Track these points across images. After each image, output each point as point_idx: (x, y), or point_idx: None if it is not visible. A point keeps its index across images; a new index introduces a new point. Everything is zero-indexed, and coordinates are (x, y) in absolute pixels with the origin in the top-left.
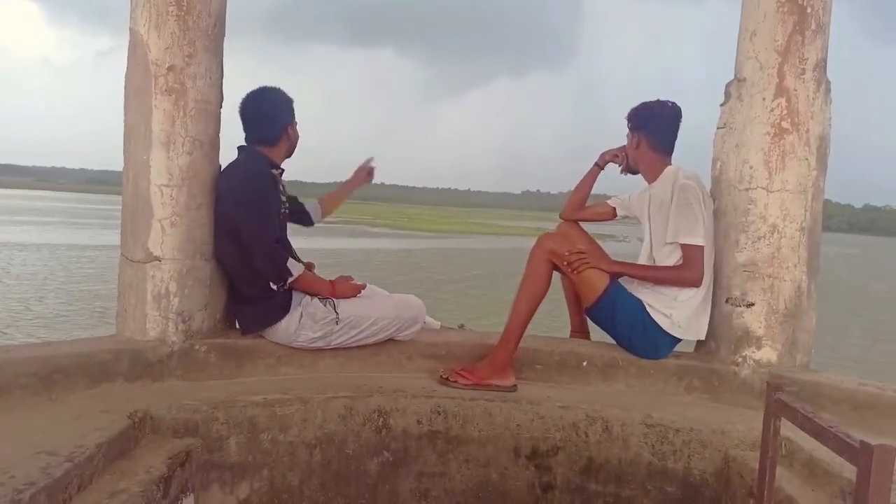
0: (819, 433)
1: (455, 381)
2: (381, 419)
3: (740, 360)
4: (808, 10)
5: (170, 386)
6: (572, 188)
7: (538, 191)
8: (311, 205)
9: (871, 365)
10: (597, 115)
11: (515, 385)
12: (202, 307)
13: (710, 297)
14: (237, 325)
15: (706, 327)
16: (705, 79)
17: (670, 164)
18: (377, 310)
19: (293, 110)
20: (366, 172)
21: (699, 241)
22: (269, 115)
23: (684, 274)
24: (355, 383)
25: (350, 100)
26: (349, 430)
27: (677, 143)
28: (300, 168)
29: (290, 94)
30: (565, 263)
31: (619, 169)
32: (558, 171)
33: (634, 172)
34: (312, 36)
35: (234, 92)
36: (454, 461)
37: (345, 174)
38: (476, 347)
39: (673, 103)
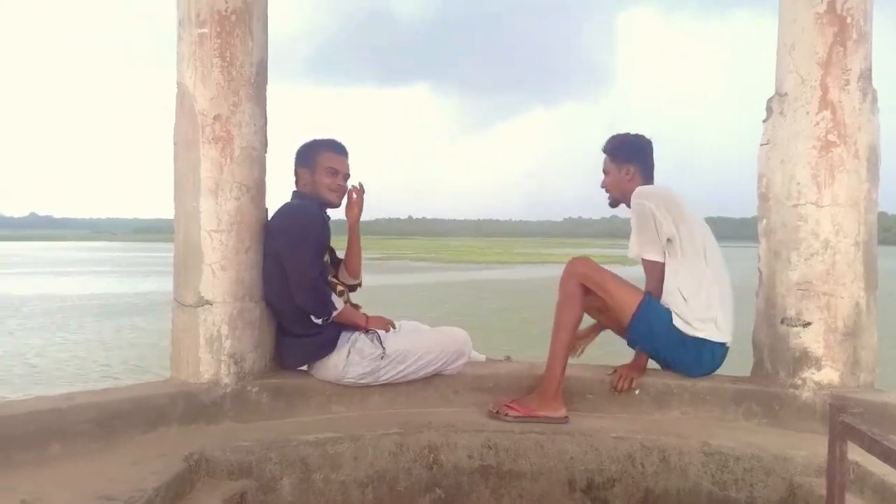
0: (889, 456)
1: (505, 415)
2: (432, 455)
3: (800, 382)
4: (848, 20)
5: (224, 428)
6: (615, 214)
7: (580, 217)
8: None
9: None
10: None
11: (567, 416)
12: (253, 348)
13: (725, 296)
14: (284, 362)
15: (729, 328)
16: (734, 93)
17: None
18: (423, 344)
19: (311, 156)
20: (355, 201)
21: (648, 256)
22: (294, 161)
23: (646, 287)
24: (404, 419)
25: (387, 137)
26: (400, 467)
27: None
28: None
29: (332, 135)
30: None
31: (608, 202)
32: (598, 197)
33: (618, 204)
34: (349, 78)
35: (279, 136)
36: (507, 496)
37: (384, 212)
38: (523, 378)
39: (646, 136)
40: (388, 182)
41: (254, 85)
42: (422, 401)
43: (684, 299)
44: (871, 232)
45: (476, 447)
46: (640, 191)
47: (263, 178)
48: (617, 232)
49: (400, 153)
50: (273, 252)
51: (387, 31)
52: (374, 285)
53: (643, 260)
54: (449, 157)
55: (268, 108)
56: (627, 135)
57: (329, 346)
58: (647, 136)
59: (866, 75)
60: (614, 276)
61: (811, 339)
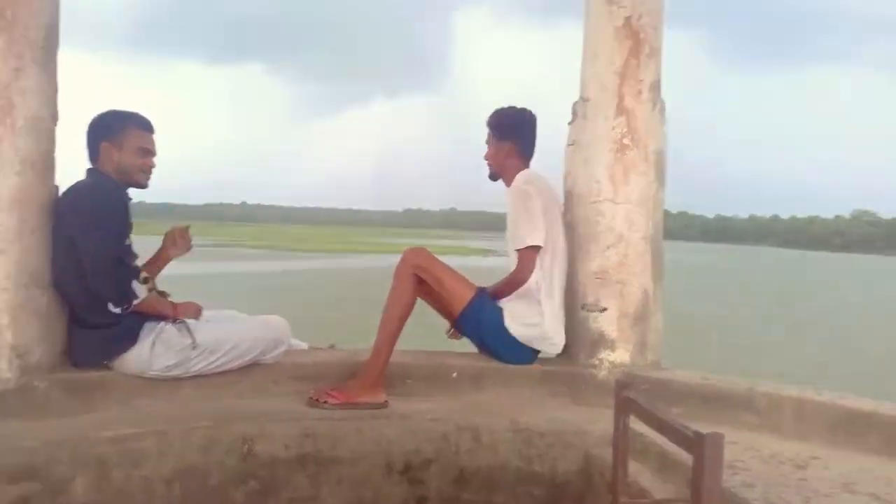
0: (661, 426)
1: (325, 402)
2: (246, 447)
3: (597, 362)
4: (642, 36)
5: (6, 427)
6: (453, 206)
7: (420, 209)
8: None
9: (728, 360)
10: (468, 135)
11: (386, 401)
12: (40, 340)
13: (563, 308)
14: (78, 356)
15: (560, 340)
16: (558, 97)
17: (527, 167)
18: (237, 333)
19: (117, 130)
20: (186, 242)
21: (530, 242)
22: (89, 135)
23: (516, 277)
24: (217, 412)
25: (218, 118)
26: (211, 461)
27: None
28: (169, 190)
29: (153, 110)
30: (431, 277)
31: (488, 173)
32: (438, 189)
33: (497, 178)
34: (173, 52)
35: (88, 110)
36: (326, 483)
37: (215, 195)
38: (346, 366)
39: (530, 111)
40: (219, 165)
41: (42, 49)
42: (238, 392)
43: (528, 306)
44: (658, 228)
45: (294, 436)
46: (528, 178)
47: (52, 152)
48: (455, 223)
49: (233, 136)
50: (64, 235)
51: (215, 6)
52: (201, 274)
53: (525, 248)
54: (289, 143)
55: (64, 79)
56: (509, 110)
57: (129, 338)
58: (530, 111)
59: (656, 87)
60: (448, 268)
61: (607, 324)
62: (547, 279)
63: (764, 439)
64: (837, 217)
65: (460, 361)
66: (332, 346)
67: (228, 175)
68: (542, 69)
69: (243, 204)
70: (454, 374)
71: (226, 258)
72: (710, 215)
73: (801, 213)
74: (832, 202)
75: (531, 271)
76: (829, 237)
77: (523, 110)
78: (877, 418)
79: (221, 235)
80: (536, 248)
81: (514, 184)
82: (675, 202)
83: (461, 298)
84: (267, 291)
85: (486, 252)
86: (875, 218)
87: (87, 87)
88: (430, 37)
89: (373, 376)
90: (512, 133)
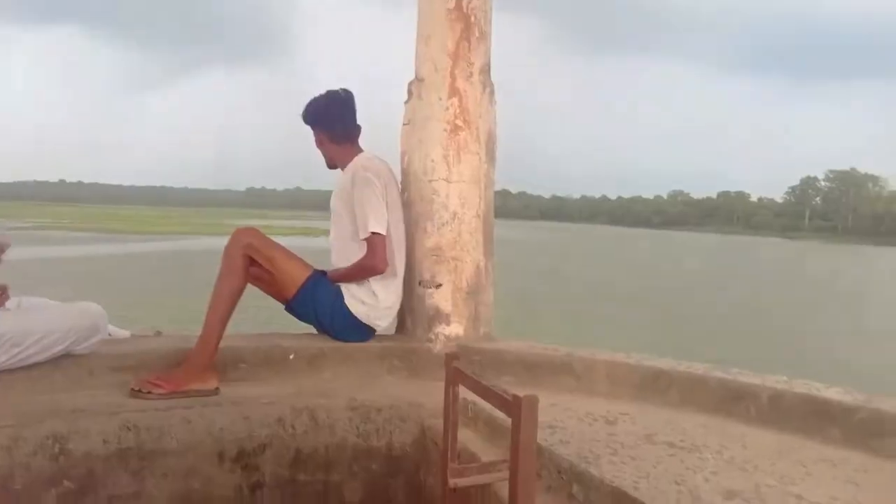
0: (485, 393)
1: (148, 392)
2: (58, 445)
3: (433, 336)
4: (472, 19)
5: None
6: (299, 186)
7: (263, 188)
8: None
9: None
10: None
11: (218, 388)
12: None
13: (401, 284)
14: None
15: (395, 313)
16: (402, 75)
17: (359, 150)
18: (44, 323)
19: None
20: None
21: (379, 229)
22: None
23: (368, 263)
24: (22, 409)
25: (31, 86)
26: (16, 463)
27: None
28: None
29: None
30: (263, 257)
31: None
32: (281, 168)
33: (335, 167)
34: None
35: None
36: (151, 477)
37: (34, 174)
38: (173, 354)
39: (343, 90)
40: (29, 138)
41: None
42: (48, 386)
43: (372, 289)
44: (489, 206)
45: (112, 430)
46: (366, 163)
47: None
48: (301, 203)
49: (52, 105)
50: None
51: None
52: (15, 259)
53: (372, 235)
54: (115, 115)
55: None
56: (315, 98)
57: None
58: (341, 91)
59: (486, 70)
60: (281, 248)
61: (442, 299)
62: (389, 259)
63: (581, 400)
64: (657, 197)
65: (297, 343)
66: (158, 333)
67: (50, 150)
68: (386, 48)
69: (62, 182)
70: (291, 356)
71: (44, 241)
72: (548, 195)
73: (626, 194)
74: (653, 184)
75: (384, 258)
76: (649, 216)
77: (331, 93)
78: (676, 375)
79: (41, 216)
80: (383, 235)
81: (353, 169)
82: (516, 183)
83: (295, 279)
84: (91, 277)
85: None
86: (689, 198)
87: None
88: (274, 8)
89: (202, 362)
90: (320, 120)
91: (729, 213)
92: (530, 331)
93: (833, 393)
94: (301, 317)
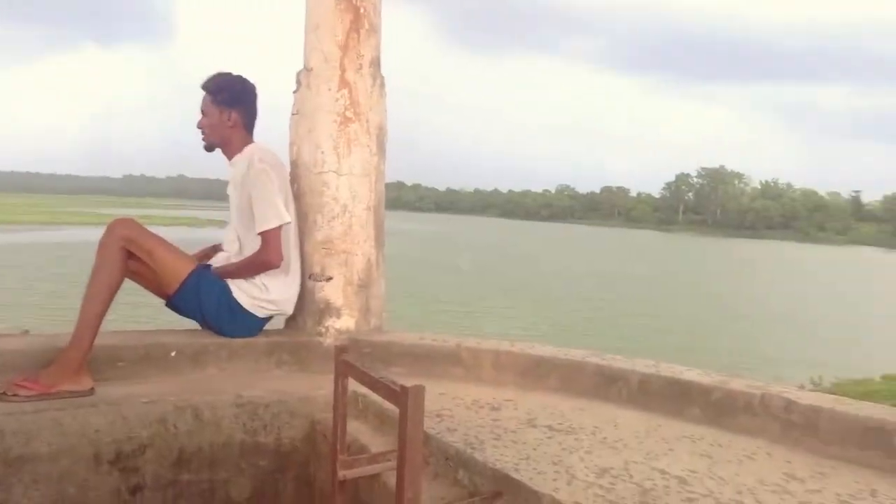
0: (373, 385)
1: (15, 395)
2: None
3: (324, 330)
4: (362, 11)
5: None
6: (182, 173)
7: (142, 175)
8: None
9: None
10: (196, 96)
11: (93, 388)
12: None
13: (298, 277)
14: None
15: (293, 306)
16: (288, 64)
17: (252, 140)
18: None
19: None
20: None
21: (273, 224)
22: None
23: (260, 257)
24: None
25: None
26: None
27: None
28: None
29: None
30: (141, 250)
31: (203, 144)
32: (162, 155)
33: (214, 148)
34: None
35: None
36: (19, 484)
37: None
38: (43, 354)
39: (251, 81)
40: None
41: None
42: None
43: (262, 281)
44: (380, 199)
45: None
46: (262, 155)
47: None
48: (185, 192)
49: None
50: None
51: None
52: None
53: (271, 230)
54: None
55: None
56: (233, 76)
57: None
58: (251, 81)
59: (376, 62)
60: (162, 240)
61: (333, 292)
62: (285, 253)
63: (468, 388)
64: (545, 191)
65: (179, 339)
66: (25, 332)
67: None
68: (272, 34)
69: None
70: (173, 354)
71: None
72: (442, 188)
73: (517, 188)
74: (542, 178)
75: (279, 253)
76: (538, 209)
77: (245, 79)
78: (557, 362)
79: None
80: (279, 229)
81: (248, 159)
82: (409, 176)
83: (177, 273)
84: None
85: (222, 223)
86: (575, 192)
87: None
88: None
89: (75, 361)
90: (237, 101)
91: (611, 207)
92: (425, 323)
93: (693, 375)
94: (184, 313)
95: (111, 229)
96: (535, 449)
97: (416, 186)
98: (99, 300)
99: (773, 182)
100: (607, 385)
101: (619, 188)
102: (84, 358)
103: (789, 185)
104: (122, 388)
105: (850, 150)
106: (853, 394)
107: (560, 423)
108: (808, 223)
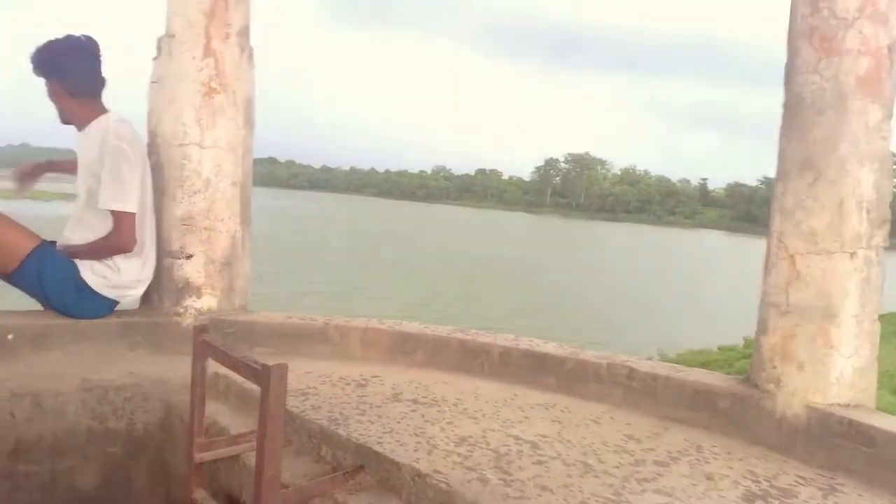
0: (234, 365)
1: None
2: None
3: (182, 310)
4: None
5: None
6: (26, 142)
7: None
8: None
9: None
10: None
11: None
12: None
13: (154, 256)
14: None
15: (146, 286)
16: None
17: (103, 109)
18: None
19: None
20: None
21: (130, 208)
22: None
23: (116, 241)
24: None
25: None
26: None
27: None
28: None
29: None
30: None
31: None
32: (5, 120)
33: (66, 122)
34: None
35: None
36: None
37: None
38: None
39: (86, 37)
40: None
41: None
42: None
43: (114, 260)
44: (247, 174)
45: None
46: (120, 132)
47: None
48: (7, 161)
49: None
50: None
51: None
52: None
53: (121, 212)
54: None
55: None
56: (47, 43)
57: None
58: (83, 37)
59: (244, 32)
60: (1, 215)
61: (193, 271)
62: (139, 234)
63: (336, 366)
64: (421, 172)
65: (16, 321)
66: None
67: None
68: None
69: None
70: (9, 336)
71: None
72: (317, 166)
73: (394, 168)
74: (418, 159)
75: (132, 236)
76: (414, 189)
77: (73, 38)
78: (423, 338)
79: None
80: (132, 214)
81: (101, 134)
82: (283, 152)
83: (18, 250)
84: None
85: (69, 196)
86: (450, 174)
87: None
88: None
89: None
90: (54, 69)
91: (484, 189)
92: (294, 305)
93: (550, 347)
94: (25, 289)
95: None
96: (398, 422)
97: (290, 163)
98: None
99: (632, 169)
100: (471, 359)
101: (492, 171)
102: None
103: (646, 172)
104: None
105: (698, 141)
106: (693, 363)
107: (424, 397)
108: (660, 207)
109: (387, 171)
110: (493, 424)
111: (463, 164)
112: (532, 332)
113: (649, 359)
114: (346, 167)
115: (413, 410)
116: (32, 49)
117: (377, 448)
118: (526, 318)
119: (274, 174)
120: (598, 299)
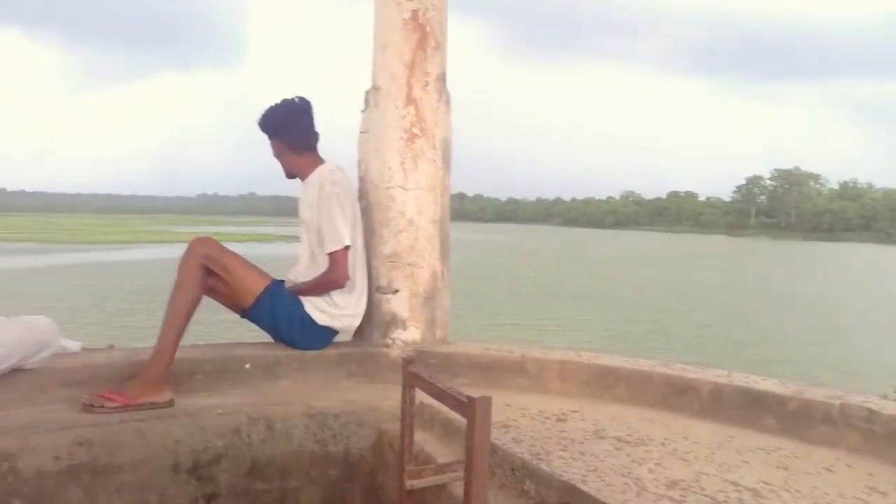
0: (440, 395)
1: (101, 407)
2: (7, 463)
3: (390, 341)
4: (428, 30)
5: None
6: (253, 191)
7: (215, 194)
8: None
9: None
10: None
11: (172, 399)
12: None
13: (366, 292)
14: None
15: (360, 319)
16: (356, 80)
17: (321, 160)
18: None
19: None
20: None
21: (345, 243)
22: None
23: (331, 278)
24: None
25: None
26: None
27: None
28: None
29: None
30: (219, 267)
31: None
32: (234, 173)
33: (291, 177)
34: None
35: None
36: (104, 492)
37: None
38: (126, 367)
39: (300, 98)
40: None
41: None
42: None
43: (332, 297)
44: (445, 212)
45: (64, 446)
46: (335, 178)
47: None
48: (256, 209)
49: None
50: None
51: None
52: None
53: (338, 251)
54: (56, 121)
55: None
56: (273, 106)
57: None
58: (297, 99)
59: (442, 79)
60: (239, 257)
61: (399, 305)
62: (351, 272)
63: (534, 399)
64: (609, 198)
65: (253, 352)
66: (110, 347)
67: None
68: (341, 51)
69: (2, 191)
70: (247, 366)
71: None
72: (503, 198)
73: (580, 195)
74: (605, 186)
75: (345, 273)
76: (602, 216)
77: (288, 102)
78: (623, 372)
79: None
80: (347, 248)
81: (319, 181)
82: (470, 187)
83: (253, 288)
84: (35, 289)
85: (289, 238)
86: (639, 198)
87: None
88: (221, 8)
89: (157, 375)
90: (278, 129)
91: (678, 213)
92: (488, 335)
93: (769, 385)
94: (260, 324)
95: (192, 248)
96: (602, 461)
97: (478, 197)
98: (180, 316)
99: (853, 182)
100: (677, 395)
101: (686, 193)
102: (165, 371)
103: (870, 185)
104: (200, 400)
105: None
106: None
107: (628, 435)
108: (890, 224)
109: (573, 200)
110: (708, 468)
111: (653, 187)
112: (743, 368)
113: (884, 397)
114: (532, 198)
115: (617, 449)
116: (259, 115)
117: (582, 487)
118: (735, 353)
119: (463, 209)
120: (822, 332)
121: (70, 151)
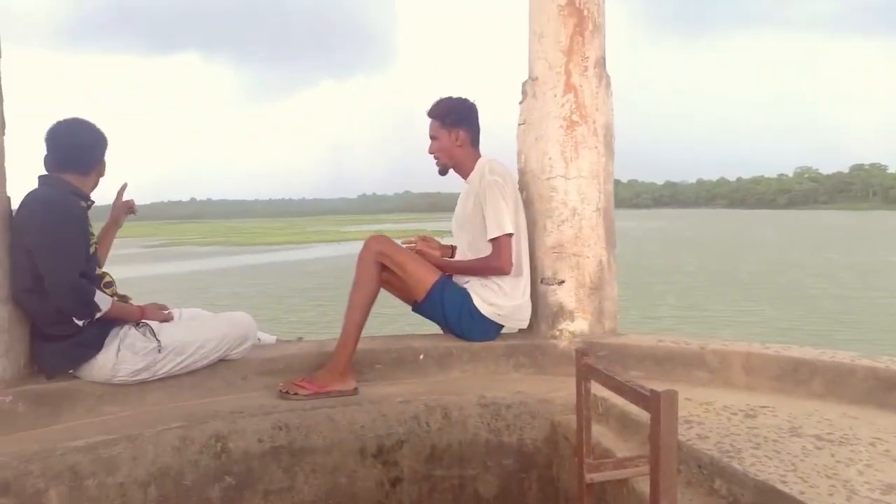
0: (618, 388)
1: (295, 394)
2: (220, 444)
3: (558, 333)
4: (585, 13)
5: None
6: (408, 189)
7: (374, 194)
8: None
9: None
10: (418, 115)
11: (356, 388)
12: (2, 354)
13: (529, 283)
14: (41, 369)
15: (529, 314)
16: (507, 75)
17: (480, 155)
18: (202, 332)
19: (107, 144)
20: (126, 207)
21: (507, 230)
22: (88, 144)
23: (492, 263)
24: (188, 412)
25: (157, 112)
26: (185, 461)
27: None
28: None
29: (91, 109)
30: (394, 263)
31: (438, 170)
32: (390, 172)
33: (447, 171)
34: (110, 45)
35: (25, 107)
36: (301, 473)
37: (162, 195)
38: (314, 357)
39: (469, 100)
40: (163, 162)
41: None
42: (207, 391)
43: (500, 287)
44: (609, 199)
45: (266, 430)
46: (492, 167)
47: (2, 162)
48: (411, 206)
49: (176, 130)
50: (23, 248)
51: None
52: (154, 274)
53: (501, 237)
54: (232, 134)
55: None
56: (455, 98)
57: (94, 346)
58: (471, 100)
59: (601, 62)
60: (410, 253)
61: (565, 295)
62: (516, 260)
63: (716, 393)
64: (781, 176)
65: (426, 343)
66: (299, 339)
67: (175, 171)
68: (490, 47)
69: (192, 200)
70: (421, 357)
71: (177, 257)
72: (660, 182)
73: (746, 175)
74: (775, 162)
75: (509, 260)
76: (774, 196)
77: (467, 99)
78: (820, 365)
79: (170, 234)
80: (510, 235)
81: (479, 172)
82: (624, 172)
83: (424, 282)
84: (227, 288)
85: (444, 234)
86: (817, 174)
87: (17, 84)
88: (372, 14)
89: (341, 364)
90: (463, 121)
91: (864, 188)
92: (653, 327)
93: None
94: (430, 316)
95: (368, 246)
96: (801, 460)
97: (632, 182)
98: (360, 310)
99: None
100: (884, 391)
101: (872, 165)
102: (349, 361)
103: None
104: (380, 389)
105: None
106: None
107: (829, 433)
108: None
109: (738, 180)
110: None
111: (831, 161)
112: None
113: None
114: (692, 180)
115: (818, 448)
116: (435, 106)
117: (782, 488)
118: None
119: (617, 195)
120: None
121: (246, 162)
